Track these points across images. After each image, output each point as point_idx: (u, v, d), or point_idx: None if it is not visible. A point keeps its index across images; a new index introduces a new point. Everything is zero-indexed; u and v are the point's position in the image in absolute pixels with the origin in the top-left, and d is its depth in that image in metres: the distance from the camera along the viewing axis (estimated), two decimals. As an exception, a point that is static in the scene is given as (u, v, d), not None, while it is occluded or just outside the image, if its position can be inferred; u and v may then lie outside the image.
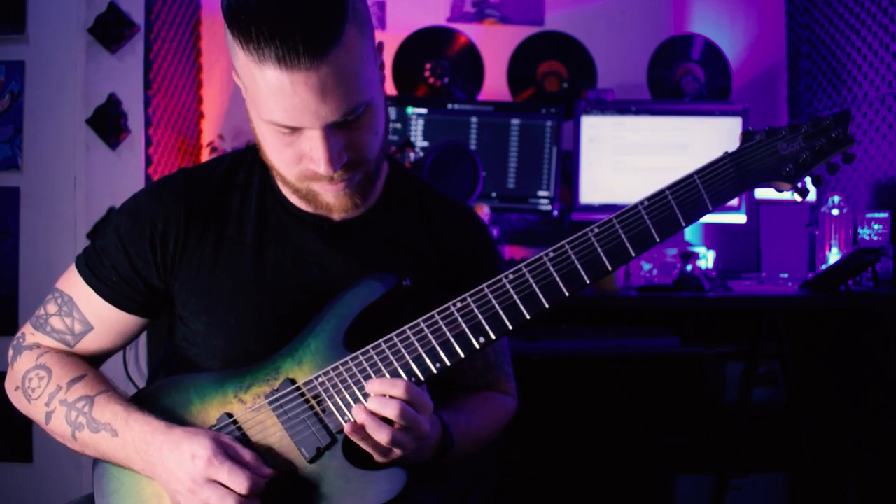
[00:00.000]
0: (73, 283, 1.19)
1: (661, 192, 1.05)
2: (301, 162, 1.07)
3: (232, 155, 1.27)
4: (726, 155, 1.06)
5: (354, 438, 1.03)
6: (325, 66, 0.96)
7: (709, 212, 1.04)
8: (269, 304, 1.17)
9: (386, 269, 1.15)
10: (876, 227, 2.29)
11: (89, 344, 1.20)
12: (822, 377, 2.36)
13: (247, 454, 1.05)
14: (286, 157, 1.07)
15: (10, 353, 1.21)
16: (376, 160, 1.12)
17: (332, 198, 1.11)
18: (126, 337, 1.22)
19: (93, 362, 1.21)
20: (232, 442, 1.06)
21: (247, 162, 1.23)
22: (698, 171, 1.05)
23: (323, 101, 0.99)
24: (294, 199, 1.19)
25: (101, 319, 1.19)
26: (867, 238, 2.30)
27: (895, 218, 2.28)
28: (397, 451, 1.03)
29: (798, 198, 1.07)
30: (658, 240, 1.04)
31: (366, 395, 1.05)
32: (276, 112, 1.00)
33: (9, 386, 1.21)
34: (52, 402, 1.14)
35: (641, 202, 1.04)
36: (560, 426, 2.60)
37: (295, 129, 1.03)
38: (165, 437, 1.06)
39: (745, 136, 1.07)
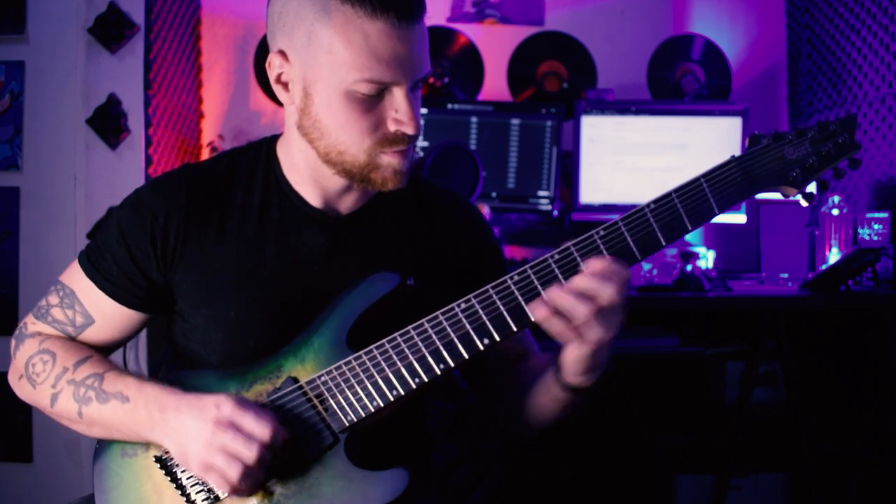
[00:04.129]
0: (76, 277, 1.19)
1: (668, 195, 1.04)
2: (379, 129, 1.09)
3: (234, 151, 1.27)
4: (733, 159, 1.04)
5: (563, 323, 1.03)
6: (421, 24, 1.08)
7: (715, 216, 1.03)
8: (270, 298, 1.17)
9: (389, 265, 1.15)
10: (876, 227, 2.29)
11: (90, 336, 1.20)
12: (822, 377, 2.36)
13: (269, 413, 1.04)
14: (364, 125, 1.08)
15: (12, 343, 1.21)
16: None
17: (391, 170, 1.12)
18: (127, 332, 1.22)
19: None
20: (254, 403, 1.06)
21: (250, 157, 1.23)
22: (705, 175, 1.04)
23: (420, 55, 1.08)
24: (309, 193, 1.19)
25: (102, 313, 1.19)
26: (867, 238, 2.31)
27: (895, 218, 2.28)
28: (605, 334, 1.04)
29: (804, 203, 1.05)
30: (664, 243, 1.03)
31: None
32: (376, 68, 1.04)
33: (12, 377, 1.21)
34: (58, 383, 1.13)
35: (647, 205, 1.03)
36: (560, 426, 2.60)
37: (381, 92, 1.07)
38: (183, 396, 1.06)
39: (752, 140, 1.05)
